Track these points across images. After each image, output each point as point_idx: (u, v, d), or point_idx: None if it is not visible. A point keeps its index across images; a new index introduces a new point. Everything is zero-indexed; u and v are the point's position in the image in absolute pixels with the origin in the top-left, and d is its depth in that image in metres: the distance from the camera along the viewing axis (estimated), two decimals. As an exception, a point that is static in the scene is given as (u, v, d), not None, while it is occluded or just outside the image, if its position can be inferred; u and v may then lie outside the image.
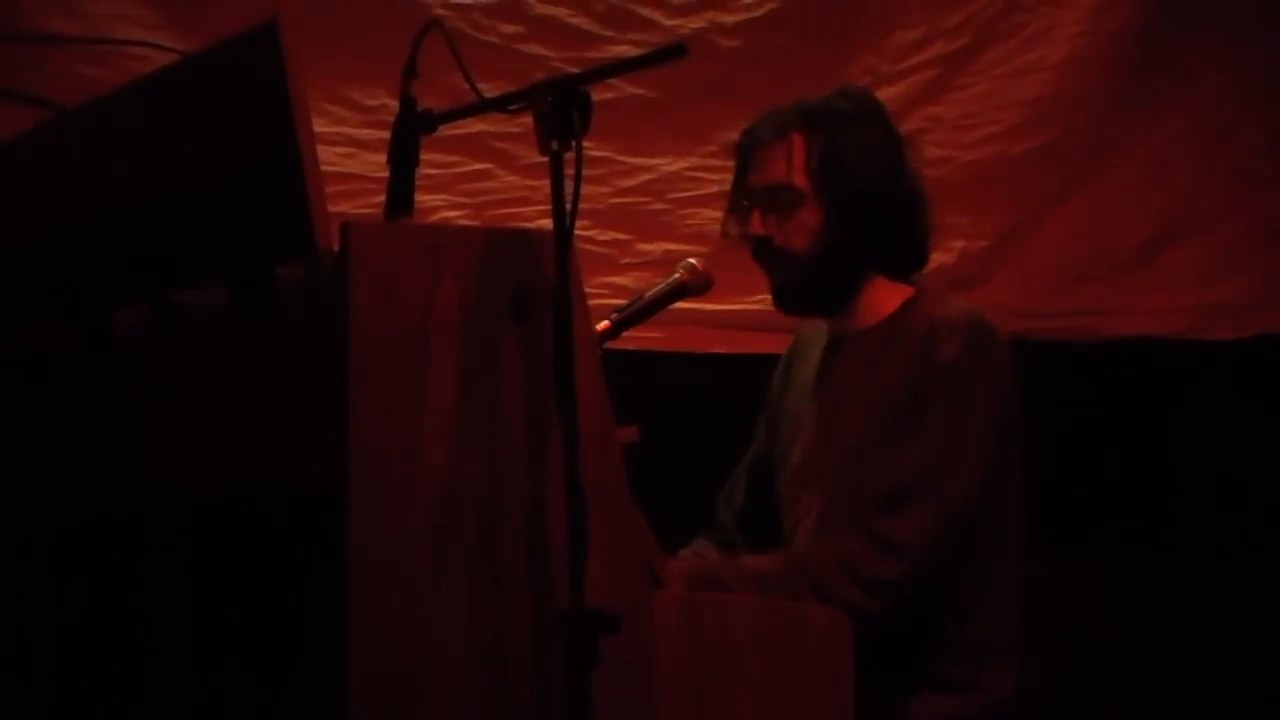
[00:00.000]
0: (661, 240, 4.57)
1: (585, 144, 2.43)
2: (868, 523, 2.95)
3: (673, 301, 3.14)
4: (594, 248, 4.53)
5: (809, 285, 3.13)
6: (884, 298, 3.17)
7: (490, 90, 2.65)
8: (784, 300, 3.17)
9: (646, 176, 4.62)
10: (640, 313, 3.09)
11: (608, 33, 4.62)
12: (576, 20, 4.64)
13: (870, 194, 3.11)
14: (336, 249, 2.35)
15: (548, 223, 2.43)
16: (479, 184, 4.54)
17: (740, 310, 4.30)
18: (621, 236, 4.61)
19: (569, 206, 2.40)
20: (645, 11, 4.66)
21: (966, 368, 3.00)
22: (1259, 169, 4.83)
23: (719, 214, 3.24)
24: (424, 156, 2.67)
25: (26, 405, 2.74)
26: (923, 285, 3.19)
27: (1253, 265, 4.84)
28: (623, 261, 4.59)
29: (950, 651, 3.03)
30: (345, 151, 4.39)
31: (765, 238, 3.12)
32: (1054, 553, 4.28)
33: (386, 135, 2.67)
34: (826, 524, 3.05)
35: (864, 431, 3.06)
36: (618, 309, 3.07)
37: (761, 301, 3.28)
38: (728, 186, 3.22)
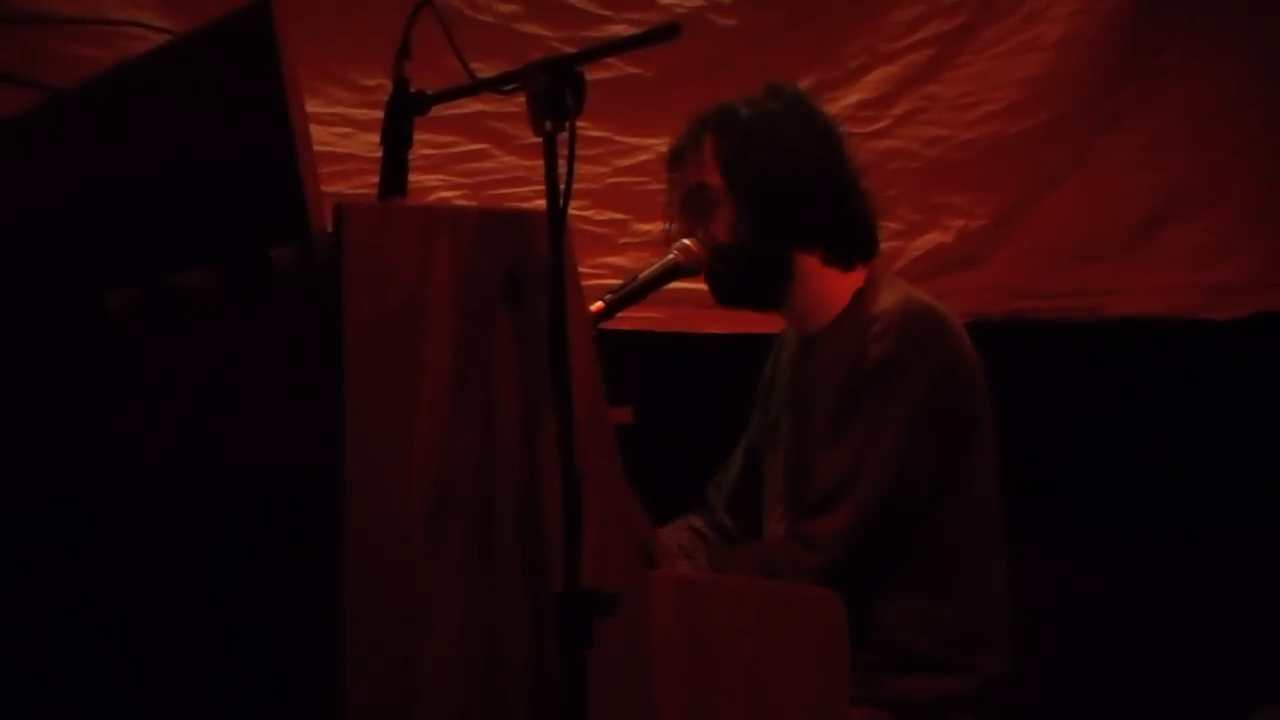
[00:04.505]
0: (659, 220, 4.52)
1: (582, 124, 2.43)
2: (792, 526, 3.06)
3: (667, 282, 3.15)
4: (592, 228, 4.52)
5: (735, 274, 3.19)
6: (832, 289, 3.20)
7: (487, 70, 2.65)
8: (716, 290, 3.24)
9: (644, 156, 4.61)
10: (634, 294, 3.10)
11: (605, 12, 4.61)
12: (573, -1, 4.63)
13: (779, 181, 3.14)
14: (330, 230, 2.34)
15: (544, 203, 2.43)
16: (476, 164, 4.53)
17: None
18: (619, 216, 4.60)
19: (563, 187, 2.40)
20: (643, -10, 4.65)
21: (895, 363, 3.05)
22: (1257, 148, 4.82)
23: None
24: (421, 136, 2.67)
25: (19, 388, 2.74)
26: (873, 274, 3.21)
27: (1251, 244, 4.83)
28: (620, 241, 4.59)
29: (937, 633, 3.06)
30: (342, 131, 4.39)
31: (696, 237, 3.17)
32: (1049, 535, 4.29)
33: (383, 115, 2.67)
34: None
35: (817, 434, 3.12)
36: (611, 290, 3.08)
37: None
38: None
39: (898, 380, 3.04)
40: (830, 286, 3.20)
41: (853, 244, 3.20)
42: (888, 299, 3.12)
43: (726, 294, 3.24)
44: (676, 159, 3.24)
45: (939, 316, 3.12)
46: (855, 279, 3.20)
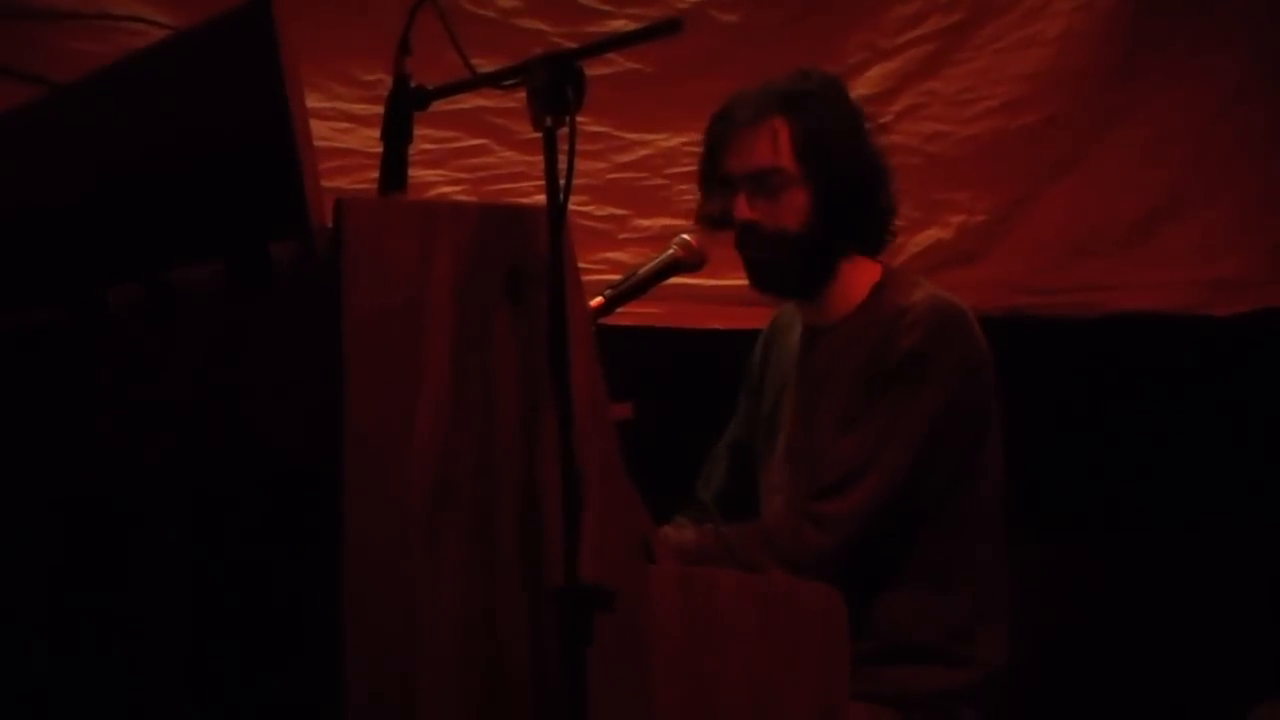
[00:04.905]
0: (659, 215, 4.57)
1: (583, 119, 2.43)
2: (803, 505, 3.03)
3: (666, 277, 3.14)
4: (592, 223, 4.52)
5: (797, 264, 3.15)
6: (856, 280, 3.19)
7: (487, 65, 2.65)
8: (769, 279, 3.19)
9: (644, 151, 4.61)
10: (634, 289, 3.09)
11: (605, 7, 4.60)
12: (574, -6, 4.63)
13: (852, 171, 3.13)
14: (330, 226, 2.34)
15: (544, 198, 2.43)
16: (476, 159, 4.53)
17: (736, 286, 4.27)
18: (619, 212, 4.60)
19: (563, 182, 2.40)
20: (643, -15, 4.65)
21: (926, 355, 3.04)
22: (1258, 144, 4.83)
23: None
24: (421, 132, 2.67)
25: (18, 383, 2.74)
26: (889, 268, 3.22)
27: (1252, 240, 4.84)
28: (621, 237, 4.59)
29: (938, 625, 3.06)
30: (342, 127, 4.38)
31: (753, 222, 3.13)
32: (1051, 530, 4.30)
33: (383, 110, 2.67)
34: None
35: (834, 425, 3.11)
36: (612, 285, 3.08)
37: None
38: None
39: (925, 374, 3.04)
40: (854, 277, 3.19)
41: (885, 232, 3.21)
42: (915, 294, 3.12)
43: (776, 283, 3.20)
44: (728, 138, 3.17)
45: (965, 314, 3.12)
46: (872, 272, 3.20)
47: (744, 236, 3.15)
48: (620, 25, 4.52)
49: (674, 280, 3.19)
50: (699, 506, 3.39)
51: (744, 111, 3.16)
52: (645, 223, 4.56)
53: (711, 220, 3.20)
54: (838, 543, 2.97)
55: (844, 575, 2.84)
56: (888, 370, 3.05)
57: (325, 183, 2.37)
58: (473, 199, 4.39)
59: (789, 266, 3.16)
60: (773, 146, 3.13)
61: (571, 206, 2.42)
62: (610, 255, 4.49)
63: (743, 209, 3.15)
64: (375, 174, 2.66)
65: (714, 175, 3.20)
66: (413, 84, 2.64)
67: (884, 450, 3.01)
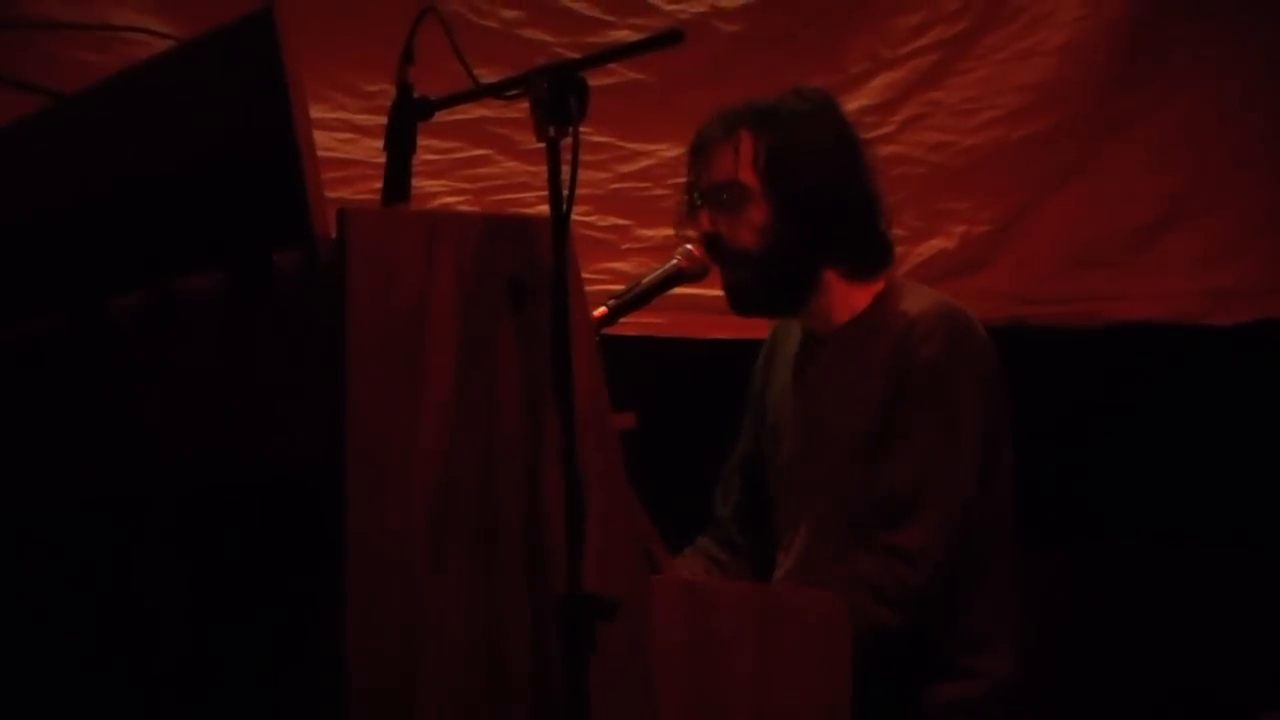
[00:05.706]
0: (662, 226, 4.54)
1: (585, 130, 2.43)
2: (879, 539, 2.98)
3: (669, 287, 3.14)
4: (594, 233, 4.52)
5: (760, 284, 3.13)
6: (850, 296, 3.16)
7: (490, 75, 2.65)
8: (737, 299, 3.16)
9: (647, 162, 4.61)
10: (637, 299, 3.09)
11: (608, 17, 4.61)
12: (576, 5, 4.63)
13: (819, 191, 3.09)
14: (334, 236, 2.35)
15: (547, 208, 2.43)
16: (479, 169, 4.53)
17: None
18: (622, 222, 4.61)
19: (566, 192, 2.40)
20: (645, -4, 4.66)
21: (949, 365, 3.02)
22: (1261, 153, 4.82)
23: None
24: (424, 142, 2.67)
25: (22, 391, 2.74)
26: (892, 279, 3.19)
27: (1254, 250, 4.83)
28: (623, 247, 4.59)
29: (949, 639, 3.04)
30: (345, 137, 4.39)
31: (715, 235, 3.12)
32: (1054, 540, 4.29)
33: (386, 121, 2.67)
34: (826, 534, 3.09)
35: (852, 435, 3.09)
36: (615, 295, 3.07)
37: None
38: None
39: (953, 384, 3.02)
40: (848, 294, 3.16)
41: (877, 259, 3.17)
42: (920, 301, 3.10)
43: (746, 304, 3.17)
44: (700, 152, 3.16)
45: (972, 318, 3.11)
46: (871, 285, 3.18)
47: (710, 250, 3.13)
48: (622, 36, 4.52)
49: (677, 290, 3.18)
50: (719, 525, 3.36)
51: (716, 126, 3.15)
52: (648, 233, 4.57)
53: (682, 234, 3.19)
54: (926, 578, 2.96)
55: (940, 603, 2.91)
56: (912, 384, 3.02)
57: (329, 193, 2.38)
58: (476, 209, 4.40)
59: (750, 285, 3.13)
60: (734, 160, 3.11)
61: (574, 217, 2.42)
62: (613, 265, 4.50)
63: (705, 222, 3.14)
64: (379, 184, 2.66)
65: (689, 189, 3.19)
66: (416, 94, 2.65)
67: (941, 468, 2.98)
